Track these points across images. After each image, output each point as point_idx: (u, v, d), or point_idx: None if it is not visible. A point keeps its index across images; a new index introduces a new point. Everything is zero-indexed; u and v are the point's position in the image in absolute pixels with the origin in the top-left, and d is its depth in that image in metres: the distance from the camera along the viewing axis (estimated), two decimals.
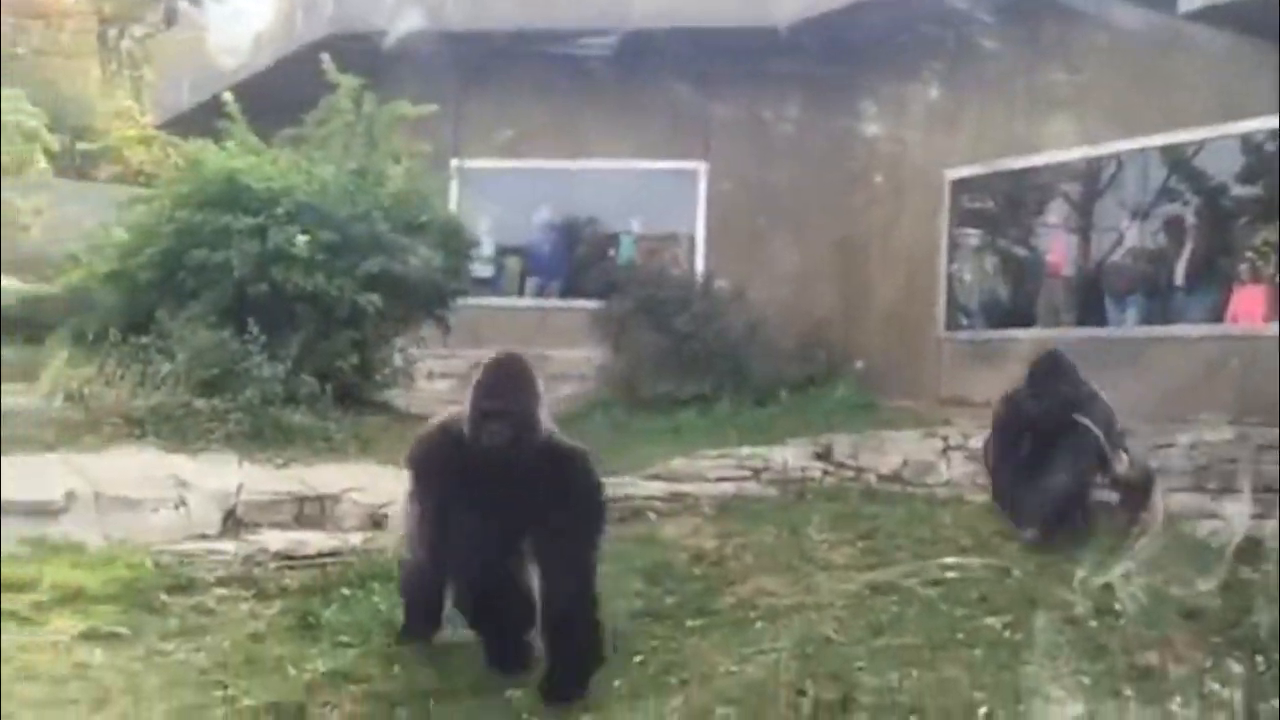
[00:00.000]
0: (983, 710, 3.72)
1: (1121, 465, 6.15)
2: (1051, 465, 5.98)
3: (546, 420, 4.25)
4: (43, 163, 20.18)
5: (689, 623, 4.87)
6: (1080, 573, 4.72)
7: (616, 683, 4.18)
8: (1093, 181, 11.00)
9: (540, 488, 4.12)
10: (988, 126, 11.12)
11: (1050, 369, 6.16)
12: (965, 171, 11.42)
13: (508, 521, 4.17)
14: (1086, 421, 5.99)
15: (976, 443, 6.95)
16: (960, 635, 4.52)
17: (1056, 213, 11.42)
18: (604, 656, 4.16)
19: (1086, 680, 3.76)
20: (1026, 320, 11.06)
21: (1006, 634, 4.51)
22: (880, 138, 11.95)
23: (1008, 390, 6.36)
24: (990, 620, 4.65)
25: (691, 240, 12.84)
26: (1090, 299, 10.67)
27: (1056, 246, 11.35)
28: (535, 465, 4.14)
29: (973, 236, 11.91)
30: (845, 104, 11.96)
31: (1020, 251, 11.79)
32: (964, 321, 11.72)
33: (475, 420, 4.11)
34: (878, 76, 11.75)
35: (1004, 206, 11.80)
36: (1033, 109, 10.71)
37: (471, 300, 10.58)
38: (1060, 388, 6.05)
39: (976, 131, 11.21)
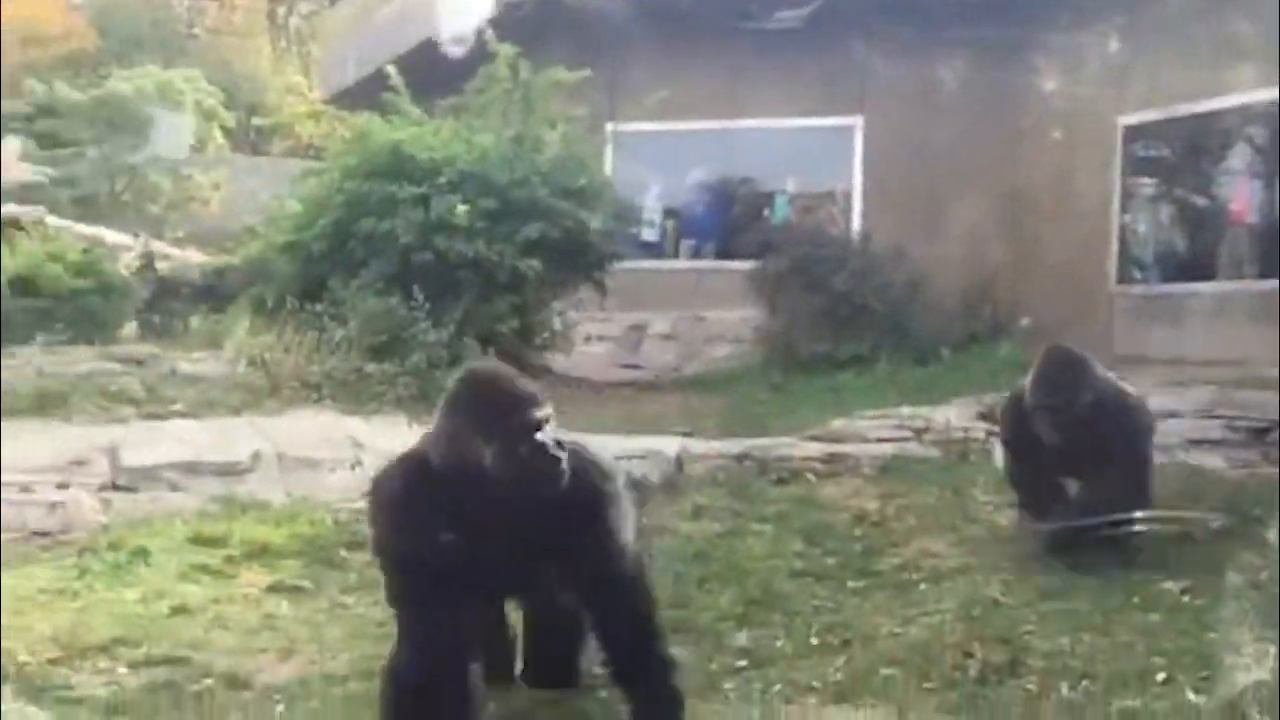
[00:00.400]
0: (1160, 676, 3.60)
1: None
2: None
3: None
4: (220, 139, 21.14)
5: (850, 583, 4.83)
6: (1270, 535, 4.51)
7: (779, 643, 4.19)
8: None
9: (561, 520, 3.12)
10: (1164, 73, 10.60)
11: (1060, 370, 4.84)
12: (1139, 118, 10.92)
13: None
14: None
15: (1153, 402, 6.63)
16: (1136, 600, 4.37)
17: (1239, 158, 10.82)
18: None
19: (1273, 648, 3.59)
20: (1206, 273, 10.56)
21: (1186, 599, 4.34)
22: (1049, 87, 11.52)
23: (1012, 395, 5.13)
24: (1169, 585, 4.48)
25: (848, 197, 12.64)
26: (1276, 248, 10.11)
27: (1239, 194, 10.77)
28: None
29: (1147, 185, 11.40)
30: (1012, 56, 11.55)
31: (1199, 200, 11.23)
32: (1137, 275, 11.26)
33: (530, 450, 2.98)
34: (1048, 27, 11.30)
35: (1181, 153, 11.24)
36: (1213, 54, 10.15)
37: (628, 264, 10.67)
38: (1079, 396, 4.76)
39: (1151, 78, 10.70)
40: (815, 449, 7.00)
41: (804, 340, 10.62)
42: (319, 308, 8.81)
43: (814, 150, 12.82)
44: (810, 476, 6.56)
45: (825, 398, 9.04)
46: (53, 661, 4.03)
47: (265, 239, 10.57)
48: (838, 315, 10.59)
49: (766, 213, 13.13)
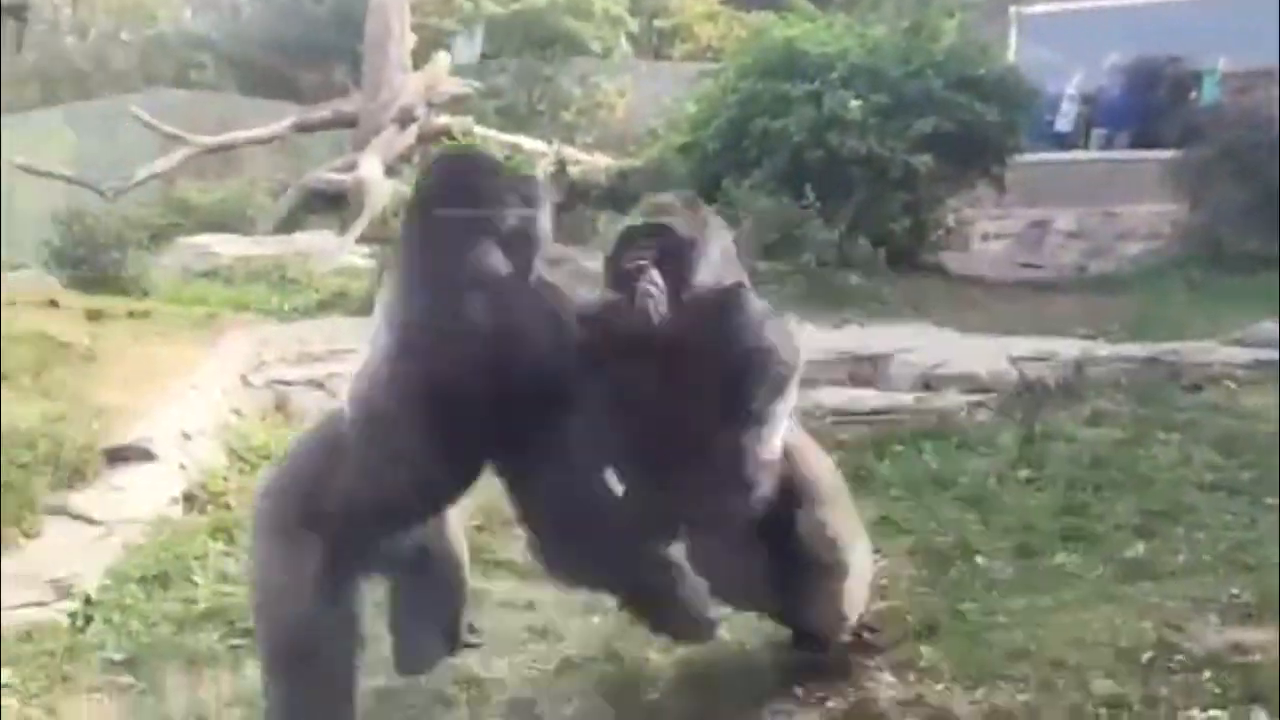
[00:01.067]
0: None
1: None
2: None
3: None
4: (625, 46, 21.93)
5: (1268, 499, 4.45)
6: None
7: (1181, 557, 3.96)
8: None
9: None
10: None
11: (654, 239, 2.84)
12: None
13: None
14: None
15: None
16: None
17: None
18: None
19: None
20: None
21: None
22: None
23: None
24: None
25: None
26: None
27: None
28: None
29: None
30: None
31: None
32: None
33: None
34: None
35: None
36: None
37: (1030, 156, 10.12)
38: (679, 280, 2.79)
39: None
40: (1237, 354, 6.44)
41: (1230, 236, 9.66)
42: (713, 207, 9.05)
43: (1252, 22, 11.45)
44: (1229, 384, 6.06)
45: (1252, 299, 8.20)
46: (478, 528, 4.54)
47: (664, 141, 10.98)
48: (1271, 208, 9.53)
49: (1193, 95, 11.96)
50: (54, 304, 6.86)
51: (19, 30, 17.91)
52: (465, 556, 3.10)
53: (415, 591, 2.97)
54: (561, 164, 13.71)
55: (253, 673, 3.15)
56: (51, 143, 12.31)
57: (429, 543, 2.94)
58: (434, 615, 3.02)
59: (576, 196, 13.21)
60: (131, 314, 6.88)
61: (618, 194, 12.61)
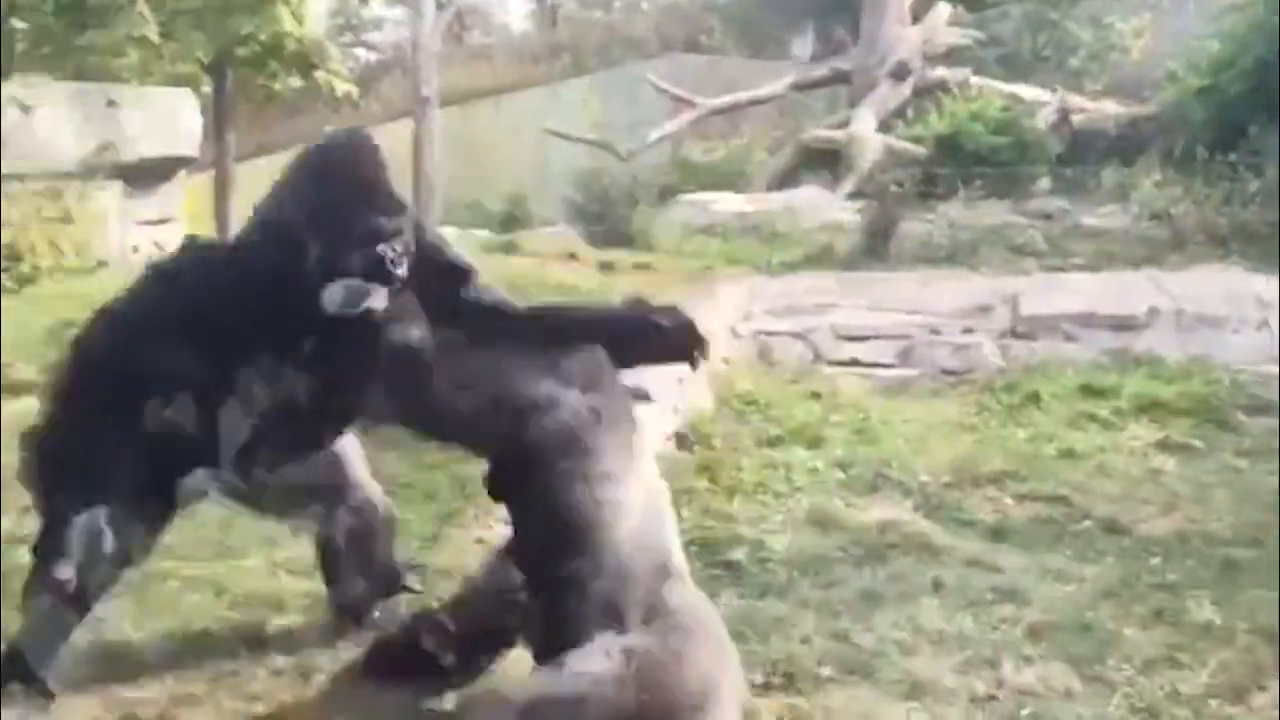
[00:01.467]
0: None
1: None
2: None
3: None
4: None
5: None
6: None
7: None
8: None
9: None
10: None
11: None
12: None
13: None
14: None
15: None
16: None
17: None
18: None
19: None
20: None
21: None
22: None
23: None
24: None
25: None
26: None
27: None
28: None
29: None
30: None
31: None
32: None
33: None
34: None
35: None
36: None
37: None
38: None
39: None
40: None
41: None
42: (1233, 156, 8.25)
43: None
44: None
45: None
46: (947, 485, 4.55)
47: (1182, 84, 10.10)
48: None
49: None
50: (573, 257, 7.66)
51: (553, 8, 19.88)
52: (380, 497, 3.03)
53: (335, 538, 2.98)
54: (1064, 114, 12.99)
55: (726, 599, 3.40)
56: (580, 110, 13.55)
57: (329, 490, 2.94)
58: (359, 560, 3.00)
59: (1080, 147, 12.47)
60: (636, 266, 7.51)
61: (1126, 144, 11.75)
